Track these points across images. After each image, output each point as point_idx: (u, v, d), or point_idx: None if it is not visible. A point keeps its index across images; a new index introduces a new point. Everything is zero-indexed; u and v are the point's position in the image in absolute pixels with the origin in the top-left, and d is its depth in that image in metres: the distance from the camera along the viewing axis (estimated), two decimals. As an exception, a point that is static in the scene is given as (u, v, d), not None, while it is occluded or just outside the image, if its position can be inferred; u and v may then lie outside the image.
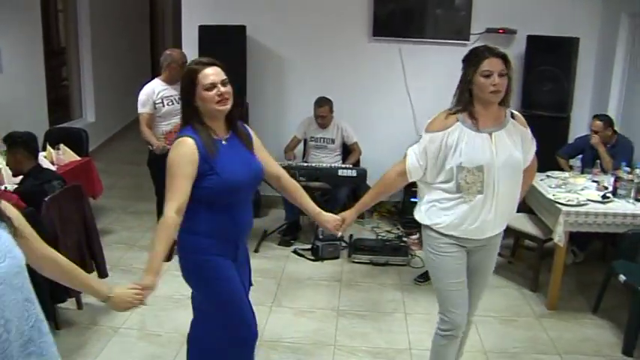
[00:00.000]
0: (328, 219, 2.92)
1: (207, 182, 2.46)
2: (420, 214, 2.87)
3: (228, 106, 2.51)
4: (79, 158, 5.12)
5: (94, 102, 8.04)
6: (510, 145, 2.72)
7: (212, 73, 2.49)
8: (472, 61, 2.67)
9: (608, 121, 5.03)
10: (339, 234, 2.99)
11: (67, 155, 5.03)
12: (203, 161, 2.44)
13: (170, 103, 4.74)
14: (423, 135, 2.75)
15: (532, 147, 2.89)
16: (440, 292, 2.91)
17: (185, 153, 2.42)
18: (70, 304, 3.95)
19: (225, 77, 2.52)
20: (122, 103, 9.25)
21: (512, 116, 2.79)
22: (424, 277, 4.66)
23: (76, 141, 5.50)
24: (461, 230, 2.76)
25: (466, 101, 2.70)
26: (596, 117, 5.14)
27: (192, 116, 2.53)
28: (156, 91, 4.76)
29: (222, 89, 2.48)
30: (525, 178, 2.89)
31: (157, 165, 4.39)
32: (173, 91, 4.72)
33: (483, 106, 2.70)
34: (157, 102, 4.74)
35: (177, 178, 2.39)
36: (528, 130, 2.85)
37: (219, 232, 2.57)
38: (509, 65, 2.68)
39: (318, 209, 2.89)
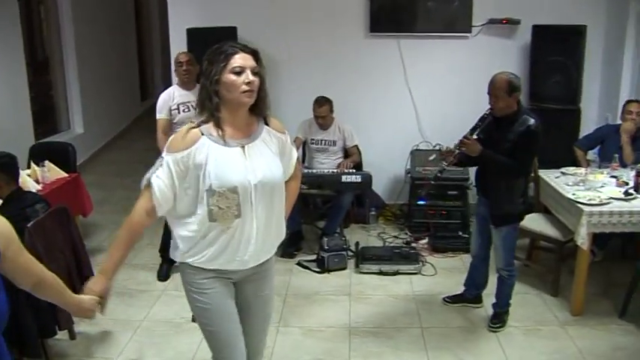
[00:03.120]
0: (83, 300, 2.17)
1: None
2: (175, 251, 2.39)
3: None
4: (65, 175, 4.82)
5: (81, 112, 7.73)
6: (268, 157, 2.34)
7: None
8: (219, 57, 2.24)
9: None
10: (101, 312, 2.25)
11: (52, 172, 4.73)
12: None
13: (186, 110, 4.55)
14: (164, 157, 2.24)
15: (292, 154, 2.53)
16: (211, 336, 2.46)
17: None
18: (62, 334, 3.66)
19: None
20: (111, 112, 9.00)
21: (266, 122, 2.40)
22: (454, 299, 4.29)
23: (62, 156, 5.19)
24: (221, 262, 2.33)
25: (212, 108, 2.25)
26: (633, 100, 4.81)
27: None
28: (173, 96, 4.58)
29: None
30: (291, 189, 2.56)
31: None
32: (191, 97, 4.52)
33: (231, 113, 2.28)
34: (172, 108, 4.55)
35: None
36: (287, 136, 2.47)
37: None
38: (262, 65, 2.30)
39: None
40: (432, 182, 3.99)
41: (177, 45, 5.51)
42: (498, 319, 3.99)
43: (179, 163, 2.20)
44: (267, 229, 2.36)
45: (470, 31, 5.82)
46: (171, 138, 2.29)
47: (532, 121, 3.52)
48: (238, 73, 2.21)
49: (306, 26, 5.91)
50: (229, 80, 2.21)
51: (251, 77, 2.22)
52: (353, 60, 5.97)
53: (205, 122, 2.26)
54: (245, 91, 2.22)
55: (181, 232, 2.32)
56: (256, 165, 2.28)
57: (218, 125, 2.25)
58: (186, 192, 2.25)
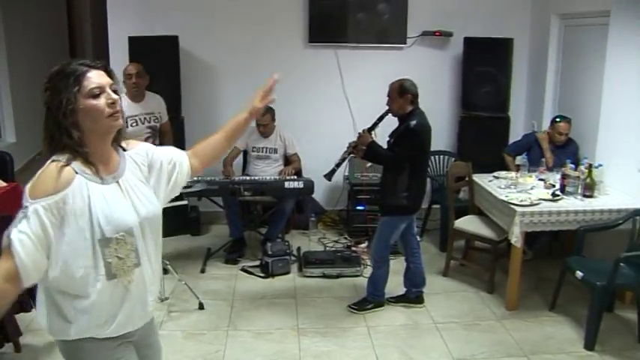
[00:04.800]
0: None
1: None
2: (60, 329, 1.88)
3: None
4: (4, 184, 4.71)
5: (13, 121, 7.52)
6: (143, 189, 1.97)
7: None
8: (68, 81, 1.78)
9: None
10: None
11: (-10, 182, 4.62)
12: None
13: (134, 124, 4.52)
14: (29, 205, 1.72)
15: (165, 152, 2.12)
16: None
17: None
18: (6, 347, 3.60)
19: None
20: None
21: (124, 149, 2.00)
22: (398, 299, 4.44)
23: (0, 165, 5.08)
24: (121, 324, 1.92)
25: (75, 145, 1.80)
26: (563, 119, 5.07)
27: None
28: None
29: None
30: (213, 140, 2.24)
31: None
32: (140, 110, 4.52)
33: (98, 144, 1.86)
34: None
35: None
36: (147, 147, 2.08)
37: None
38: (116, 81, 1.91)
39: None
40: (336, 167, 4.44)
41: (118, 54, 5.49)
42: (359, 303, 4.35)
43: (52, 209, 1.73)
44: (156, 267, 2.04)
45: (405, 42, 6.05)
46: (35, 179, 1.79)
47: (414, 121, 3.95)
48: (97, 96, 1.80)
49: (248, 36, 5.99)
50: (89, 106, 1.79)
51: (114, 96, 1.83)
52: (293, 69, 6.07)
53: (74, 159, 1.82)
54: (111, 114, 1.83)
55: (72, 304, 1.84)
56: (135, 200, 1.92)
57: (88, 161, 1.83)
58: (61, 247, 1.77)
